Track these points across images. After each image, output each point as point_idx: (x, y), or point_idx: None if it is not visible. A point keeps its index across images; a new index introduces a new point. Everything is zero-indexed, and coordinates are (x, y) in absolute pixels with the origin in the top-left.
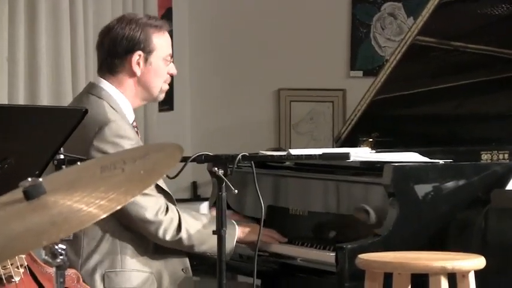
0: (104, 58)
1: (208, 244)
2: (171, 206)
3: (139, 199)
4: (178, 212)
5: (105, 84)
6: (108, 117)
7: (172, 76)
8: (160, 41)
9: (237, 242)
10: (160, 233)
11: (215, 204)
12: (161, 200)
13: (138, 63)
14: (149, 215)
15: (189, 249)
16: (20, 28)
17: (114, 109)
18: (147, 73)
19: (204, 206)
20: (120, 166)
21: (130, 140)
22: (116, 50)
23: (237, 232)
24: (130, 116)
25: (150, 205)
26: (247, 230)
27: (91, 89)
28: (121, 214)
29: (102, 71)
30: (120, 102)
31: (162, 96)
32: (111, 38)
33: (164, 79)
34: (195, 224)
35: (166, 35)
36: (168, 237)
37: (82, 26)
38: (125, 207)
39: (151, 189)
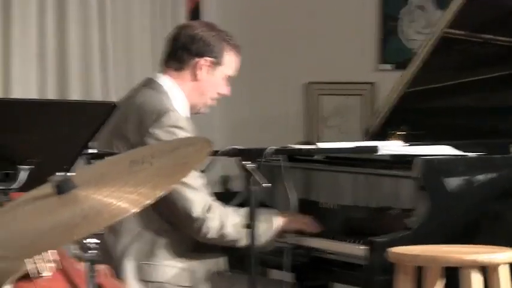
0: (175, 50)
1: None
2: (215, 202)
3: (188, 193)
4: (221, 209)
5: (165, 81)
6: (168, 107)
7: (221, 96)
8: (230, 60)
9: (285, 231)
10: (203, 230)
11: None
12: (208, 197)
13: (201, 68)
14: (195, 211)
15: (230, 245)
16: (49, 22)
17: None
18: (207, 82)
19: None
20: (149, 160)
21: (186, 132)
22: (190, 47)
23: (276, 222)
24: (186, 114)
25: (198, 201)
26: (292, 219)
27: (150, 84)
28: (166, 206)
29: (169, 63)
30: (178, 100)
31: (205, 110)
32: (190, 34)
33: (215, 95)
34: (236, 220)
35: (237, 59)
36: (209, 235)
37: (111, 19)
38: (172, 199)
39: (200, 185)
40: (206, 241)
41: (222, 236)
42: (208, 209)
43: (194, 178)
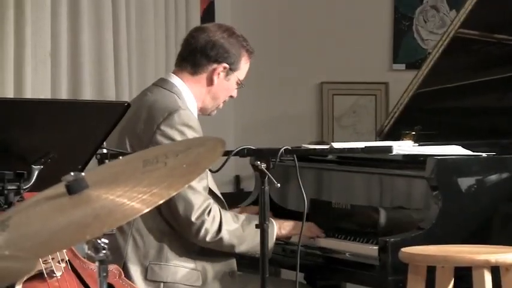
0: (192, 53)
1: (248, 244)
2: (214, 206)
3: (190, 195)
4: (220, 212)
5: (177, 81)
6: (179, 105)
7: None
8: (245, 66)
9: (276, 238)
10: (202, 233)
11: (257, 199)
12: (209, 201)
13: (218, 74)
14: (195, 213)
15: (229, 249)
16: (62, 22)
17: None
18: (221, 86)
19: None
20: (162, 160)
21: (195, 132)
22: (208, 53)
23: (275, 230)
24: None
25: (199, 203)
26: (285, 225)
27: (162, 83)
28: (168, 208)
29: (183, 65)
30: (188, 101)
31: (214, 113)
32: (209, 39)
33: (226, 99)
34: (235, 224)
35: (248, 64)
36: (208, 238)
37: (124, 19)
38: (174, 201)
39: (202, 188)
40: (204, 244)
41: (220, 240)
42: (208, 213)
43: (197, 180)
